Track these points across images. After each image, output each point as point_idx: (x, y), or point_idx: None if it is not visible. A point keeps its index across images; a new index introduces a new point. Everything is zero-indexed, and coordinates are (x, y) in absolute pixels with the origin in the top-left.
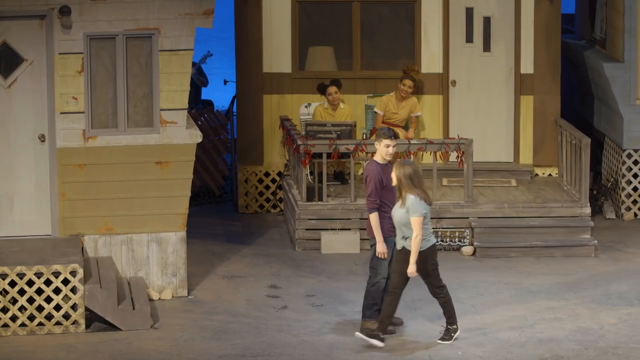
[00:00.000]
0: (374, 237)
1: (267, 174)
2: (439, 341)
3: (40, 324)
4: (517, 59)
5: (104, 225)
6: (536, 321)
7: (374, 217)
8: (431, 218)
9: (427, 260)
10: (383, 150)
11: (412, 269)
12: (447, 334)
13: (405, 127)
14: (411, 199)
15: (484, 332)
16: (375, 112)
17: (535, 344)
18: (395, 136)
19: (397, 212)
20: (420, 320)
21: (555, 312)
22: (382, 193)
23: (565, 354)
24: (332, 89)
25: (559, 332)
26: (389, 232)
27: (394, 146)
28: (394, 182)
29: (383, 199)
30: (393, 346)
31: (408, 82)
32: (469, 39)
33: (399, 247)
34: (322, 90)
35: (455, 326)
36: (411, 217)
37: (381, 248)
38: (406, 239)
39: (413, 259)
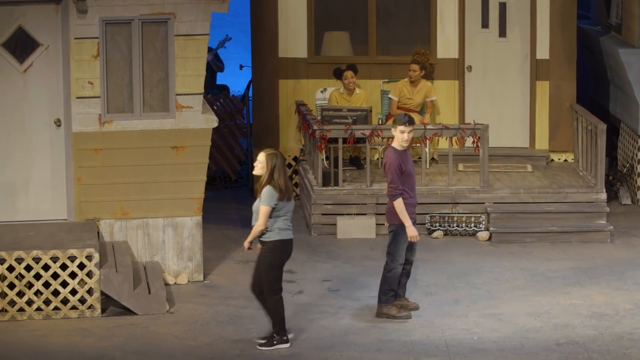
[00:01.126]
0: (392, 224)
1: None
2: (259, 340)
3: (56, 308)
4: (533, 45)
5: (119, 209)
6: (552, 306)
7: (398, 203)
8: (447, 203)
9: (273, 253)
10: (399, 136)
11: (246, 245)
12: (269, 342)
13: (422, 112)
14: (265, 189)
15: (500, 317)
16: (390, 98)
17: (550, 329)
18: (410, 122)
19: (255, 202)
20: (437, 305)
21: (570, 297)
22: (403, 179)
23: (580, 339)
24: (348, 74)
25: (575, 318)
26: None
27: (409, 132)
28: (259, 170)
29: (403, 185)
30: (409, 331)
31: (413, 66)
32: (485, 24)
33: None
34: (338, 75)
35: (285, 337)
36: (260, 205)
37: (412, 232)
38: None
39: (248, 238)
